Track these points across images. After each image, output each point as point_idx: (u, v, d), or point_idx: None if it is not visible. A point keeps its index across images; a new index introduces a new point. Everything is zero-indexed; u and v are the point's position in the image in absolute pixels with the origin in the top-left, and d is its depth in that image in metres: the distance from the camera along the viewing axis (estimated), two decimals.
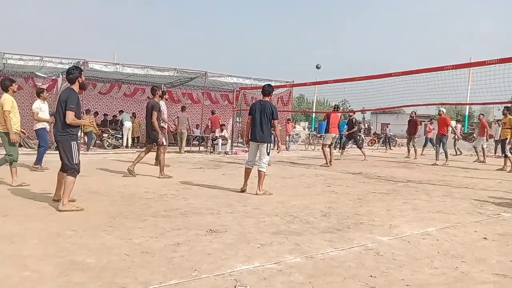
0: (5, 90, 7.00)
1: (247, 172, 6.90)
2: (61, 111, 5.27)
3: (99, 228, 4.40)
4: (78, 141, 5.59)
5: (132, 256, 3.53)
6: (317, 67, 14.51)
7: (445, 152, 13.39)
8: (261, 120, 6.76)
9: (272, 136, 7.42)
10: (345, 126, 18.63)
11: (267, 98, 7.01)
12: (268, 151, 6.77)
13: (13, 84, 7.13)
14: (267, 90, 7.02)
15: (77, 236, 4.08)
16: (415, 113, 16.63)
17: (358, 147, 15.33)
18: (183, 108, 16.13)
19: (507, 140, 11.97)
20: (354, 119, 15.41)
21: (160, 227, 4.52)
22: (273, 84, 18.60)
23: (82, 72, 5.69)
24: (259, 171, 6.77)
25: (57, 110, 5.39)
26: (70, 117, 5.22)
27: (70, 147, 5.30)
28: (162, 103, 10.74)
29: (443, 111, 14.24)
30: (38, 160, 8.88)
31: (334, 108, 13.52)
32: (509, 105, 12.53)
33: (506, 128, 12.09)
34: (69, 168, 5.27)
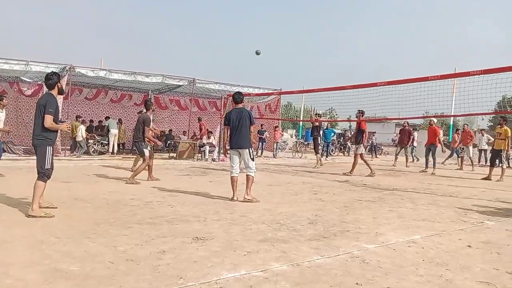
0: None
1: (233, 181, 6.87)
2: (40, 115, 5.22)
3: (83, 235, 4.34)
4: (55, 147, 5.52)
5: (116, 264, 3.48)
6: (257, 53, 13.62)
7: (434, 161, 13.59)
8: (240, 126, 6.78)
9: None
10: (332, 134, 18.73)
11: (240, 105, 7.07)
12: (251, 156, 6.80)
13: None
14: (238, 98, 7.09)
15: (61, 243, 4.02)
16: (408, 123, 16.85)
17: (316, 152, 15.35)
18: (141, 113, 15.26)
19: (503, 151, 11.74)
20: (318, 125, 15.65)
21: (146, 234, 4.48)
22: (260, 91, 18.82)
23: (61, 78, 5.68)
24: (247, 175, 6.78)
25: (35, 115, 5.31)
26: (48, 120, 5.16)
27: (45, 152, 5.25)
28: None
29: (433, 121, 14.33)
30: None
31: (361, 113, 12.25)
32: (505, 114, 12.60)
33: (501, 139, 11.78)
34: (39, 172, 5.23)
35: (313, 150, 16.26)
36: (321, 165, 14.32)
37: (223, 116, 7.67)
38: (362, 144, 11.99)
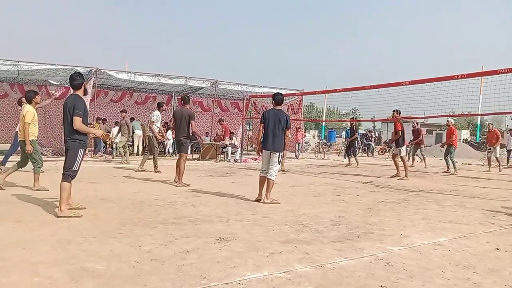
0: (29, 102, 7.25)
1: (262, 181, 6.87)
2: (69, 117, 5.21)
3: (109, 235, 4.42)
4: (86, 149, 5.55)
5: (141, 263, 3.54)
6: None
7: (452, 162, 13.26)
8: (275, 128, 6.76)
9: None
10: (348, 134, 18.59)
11: (279, 107, 7.03)
12: (279, 160, 6.79)
13: (37, 97, 7.41)
14: (280, 99, 7.04)
15: (87, 242, 4.10)
16: (417, 123, 16.64)
17: (353, 155, 15.27)
18: (123, 111, 14.13)
19: None
20: (355, 126, 15.62)
21: (170, 234, 4.53)
22: (283, 92, 18.75)
23: (88, 80, 5.78)
24: (268, 179, 6.77)
25: (64, 118, 5.30)
26: (77, 122, 5.15)
27: (76, 154, 5.26)
28: (157, 113, 10.83)
29: (451, 122, 13.96)
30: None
31: (396, 113, 11.68)
32: None
33: None
34: (65, 173, 5.25)
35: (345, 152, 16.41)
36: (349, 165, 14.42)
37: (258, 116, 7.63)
38: (403, 146, 11.46)
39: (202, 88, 17.92)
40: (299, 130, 19.67)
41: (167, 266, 3.49)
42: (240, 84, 17.92)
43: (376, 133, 41.22)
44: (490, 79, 10.60)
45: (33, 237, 4.24)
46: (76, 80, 5.41)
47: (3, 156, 9.25)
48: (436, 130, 50.61)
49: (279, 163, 6.79)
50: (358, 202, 7.13)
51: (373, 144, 24.20)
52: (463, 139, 37.03)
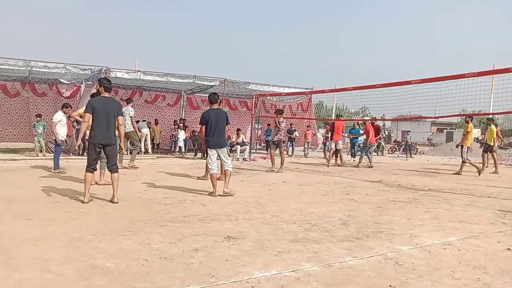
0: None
1: (214, 178, 7.13)
2: (114, 117, 6.12)
3: (118, 232, 4.46)
4: None
5: (150, 261, 3.56)
6: None
7: (368, 156, 14.24)
8: (217, 126, 7.07)
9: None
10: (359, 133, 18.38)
11: (216, 106, 7.31)
12: (228, 153, 7.21)
13: None
14: (214, 98, 7.33)
15: (97, 240, 4.14)
16: (376, 119, 17.12)
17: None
18: None
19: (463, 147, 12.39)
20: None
21: (179, 232, 4.56)
22: (292, 90, 18.76)
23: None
24: (225, 170, 7.12)
25: (106, 117, 6.04)
26: (121, 121, 6.25)
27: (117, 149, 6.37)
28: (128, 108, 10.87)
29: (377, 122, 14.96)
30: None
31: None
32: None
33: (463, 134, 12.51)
34: (115, 167, 6.27)
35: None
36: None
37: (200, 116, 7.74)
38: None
39: (211, 86, 17.93)
40: (308, 129, 19.58)
41: (176, 264, 3.51)
42: (249, 82, 17.91)
43: (386, 132, 40.99)
44: (502, 77, 10.48)
45: (45, 234, 4.30)
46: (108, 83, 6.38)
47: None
48: (447, 128, 50.22)
49: (229, 155, 7.17)
50: (368, 201, 7.10)
51: (383, 143, 24.05)
52: (475, 138, 36.65)
